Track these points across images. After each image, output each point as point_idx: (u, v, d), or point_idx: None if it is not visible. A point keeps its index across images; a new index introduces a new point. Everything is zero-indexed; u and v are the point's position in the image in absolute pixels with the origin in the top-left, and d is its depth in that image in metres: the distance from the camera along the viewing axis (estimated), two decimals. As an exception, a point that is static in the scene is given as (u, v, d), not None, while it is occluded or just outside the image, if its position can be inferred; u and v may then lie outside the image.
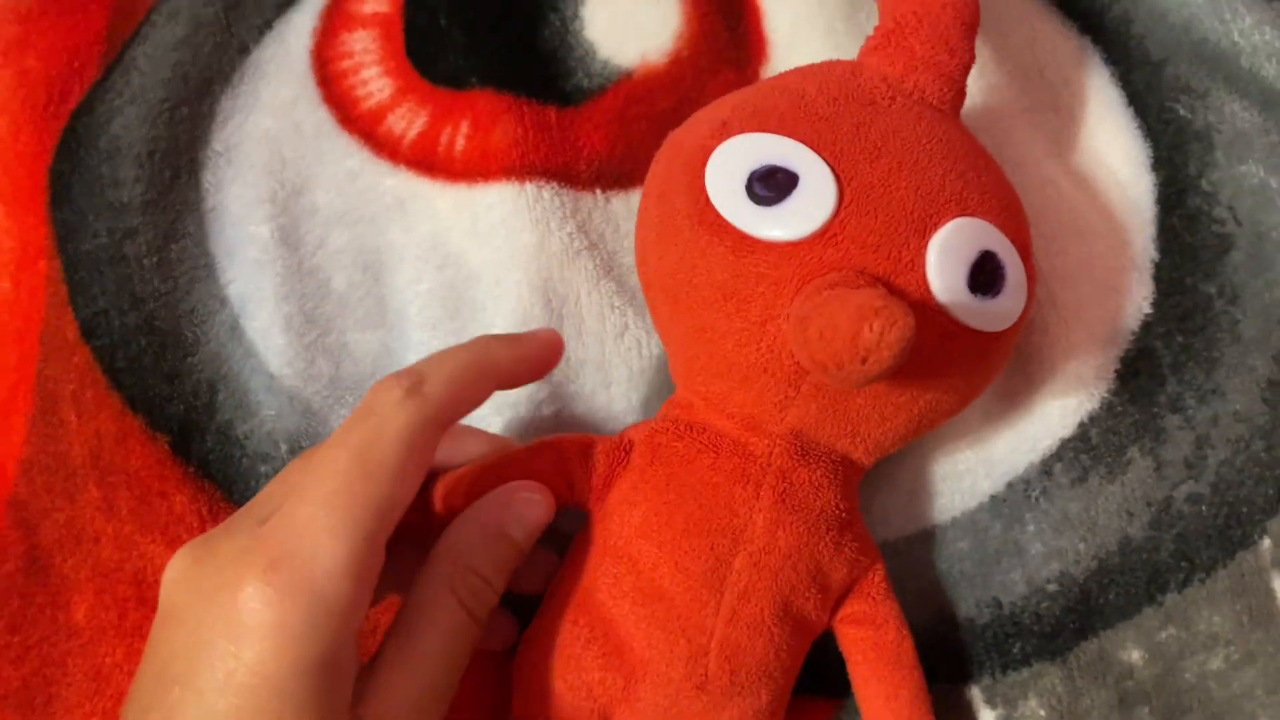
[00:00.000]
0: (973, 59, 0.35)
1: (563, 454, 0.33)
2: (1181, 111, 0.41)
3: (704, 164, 0.32)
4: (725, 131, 0.32)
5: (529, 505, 0.31)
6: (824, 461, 0.33)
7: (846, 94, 0.33)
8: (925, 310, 0.30)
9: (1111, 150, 0.41)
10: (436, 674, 0.29)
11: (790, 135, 0.31)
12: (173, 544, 0.38)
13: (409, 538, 0.30)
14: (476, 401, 0.32)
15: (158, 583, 0.37)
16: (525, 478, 0.32)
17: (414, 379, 0.30)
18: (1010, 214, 0.33)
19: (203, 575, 0.27)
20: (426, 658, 0.29)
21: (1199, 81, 0.41)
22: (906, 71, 0.34)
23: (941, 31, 0.34)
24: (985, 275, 0.31)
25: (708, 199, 0.31)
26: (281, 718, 0.26)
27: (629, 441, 0.34)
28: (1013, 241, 0.32)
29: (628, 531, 0.32)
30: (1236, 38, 0.41)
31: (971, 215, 0.31)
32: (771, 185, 0.31)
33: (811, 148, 0.31)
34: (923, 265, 0.30)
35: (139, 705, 0.27)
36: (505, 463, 0.33)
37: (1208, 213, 0.40)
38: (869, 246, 0.30)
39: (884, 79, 0.34)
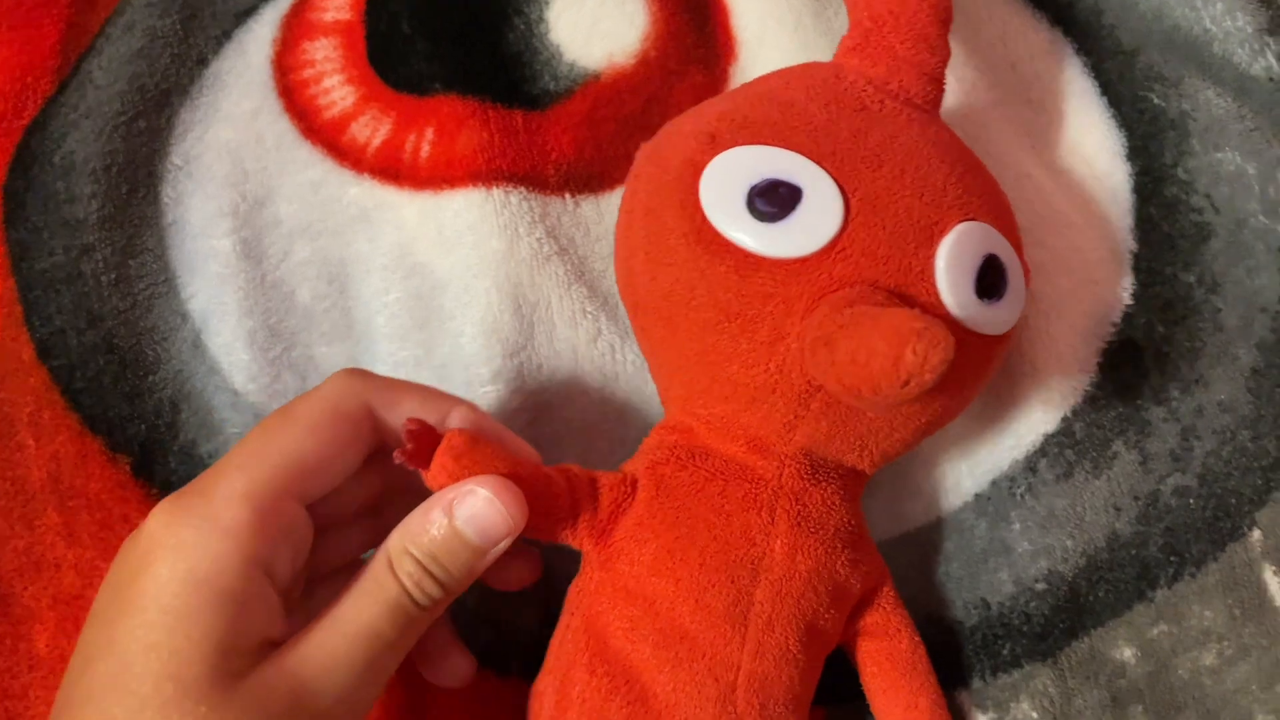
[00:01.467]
0: (949, 55, 0.34)
1: (573, 482, 0.31)
2: (1155, 100, 0.41)
3: (696, 180, 0.30)
4: (716, 145, 0.31)
5: (484, 505, 0.29)
6: (833, 478, 0.32)
7: (837, 99, 0.32)
8: None
9: (1086, 141, 0.41)
10: (362, 639, 0.28)
11: (788, 147, 0.30)
12: (136, 569, 0.36)
13: None
14: (425, 413, 0.31)
15: (121, 610, 0.36)
16: (540, 489, 0.30)
17: (366, 370, 0.31)
18: (1005, 215, 0.32)
19: (136, 530, 0.28)
20: (354, 622, 0.28)
21: (1172, 70, 0.41)
22: (890, 72, 0.33)
23: (920, 29, 0.33)
24: (990, 279, 0.30)
25: (704, 217, 0.30)
26: (172, 632, 0.26)
27: (632, 477, 0.32)
28: (1010, 242, 0.32)
29: (639, 570, 0.31)
30: (1208, 24, 0.41)
31: (974, 219, 0.31)
32: (774, 200, 0.29)
33: (812, 159, 0.30)
34: (931, 274, 0.30)
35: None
36: (522, 465, 0.30)
37: (1185, 201, 0.39)
38: (878, 258, 0.29)
39: (869, 81, 0.33)
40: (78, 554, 0.36)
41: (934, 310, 0.29)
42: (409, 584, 0.28)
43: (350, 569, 0.33)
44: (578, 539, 0.31)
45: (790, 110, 0.31)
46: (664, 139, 0.33)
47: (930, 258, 0.30)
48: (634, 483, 0.32)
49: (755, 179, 0.30)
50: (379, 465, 0.32)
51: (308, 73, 0.43)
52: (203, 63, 0.43)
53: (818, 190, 0.30)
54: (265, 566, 0.27)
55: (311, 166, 0.41)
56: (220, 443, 0.38)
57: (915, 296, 0.29)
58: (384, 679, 0.29)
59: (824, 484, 0.32)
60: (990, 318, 0.30)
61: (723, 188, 0.30)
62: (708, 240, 0.30)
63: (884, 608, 0.33)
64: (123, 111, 0.41)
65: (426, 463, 0.29)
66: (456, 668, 0.33)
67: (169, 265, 0.40)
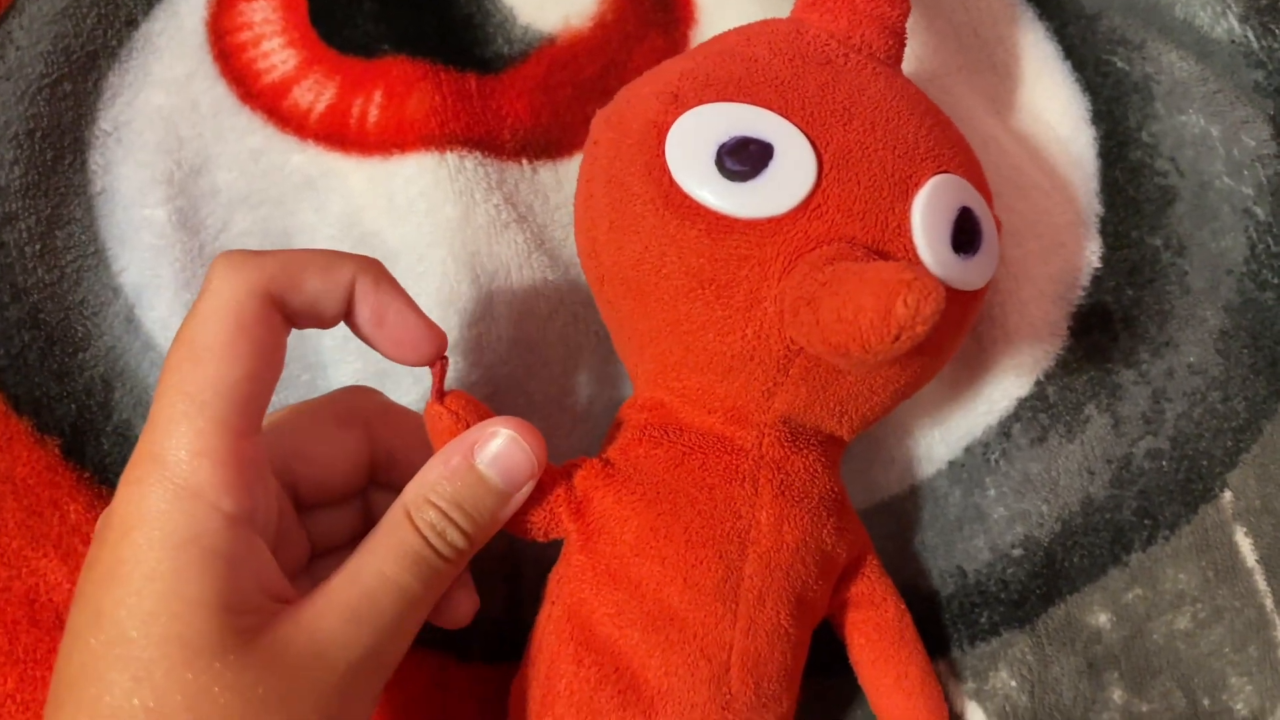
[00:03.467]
0: (909, 7, 0.33)
1: (540, 481, 0.30)
2: (1119, 63, 0.41)
3: (661, 141, 0.29)
4: (680, 104, 0.29)
5: (508, 445, 0.28)
6: (814, 445, 0.31)
7: (801, 54, 0.30)
8: None
9: (1050, 106, 0.40)
10: (384, 592, 0.26)
11: (756, 102, 0.29)
12: (67, 558, 0.34)
13: None
14: (327, 292, 0.28)
15: (51, 602, 0.34)
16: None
17: (250, 251, 0.27)
18: (975, 168, 0.32)
19: (105, 511, 0.26)
20: (374, 574, 0.26)
21: (1135, 33, 0.41)
22: (851, 26, 0.32)
23: None
24: (965, 233, 0.29)
25: (672, 180, 0.28)
26: (165, 597, 0.24)
27: (604, 457, 0.31)
28: (981, 194, 0.31)
29: (622, 551, 0.29)
30: (1170, -14, 0.41)
31: (947, 171, 0.30)
32: (744, 158, 0.28)
33: (781, 114, 0.29)
34: (908, 229, 0.28)
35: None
36: None
37: (1150, 165, 0.39)
38: (854, 214, 0.28)
39: (831, 35, 0.32)
40: (4, 542, 0.34)
41: None
42: (431, 535, 0.27)
43: (352, 546, 0.32)
44: (557, 519, 0.30)
45: (754, 66, 0.30)
46: (622, 102, 0.32)
47: (906, 212, 0.29)
48: (608, 461, 0.30)
49: (724, 137, 0.28)
50: (361, 435, 0.31)
51: (245, 35, 0.41)
52: (132, 24, 0.40)
53: (790, 146, 0.28)
54: (245, 519, 0.26)
55: (251, 133, 0.39)
56: (157, 423, 0.36)
57: (892, 253, 0.28)
58: (410, 636, 0.27)
59: (805, 452, 0.30)
60: (966, 273, 0.29)
61: (690, 148, 0.29)
62: (676, 204, 0.28)
63: (869, 577, 0.32)
64: (46, 74, 0.39)
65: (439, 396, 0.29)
66: (459, 607, 0.31)
67: (98, 236, 0.38)
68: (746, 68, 0.30)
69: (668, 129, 0.29)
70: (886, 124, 0.29)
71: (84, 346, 0.36)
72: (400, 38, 0.40)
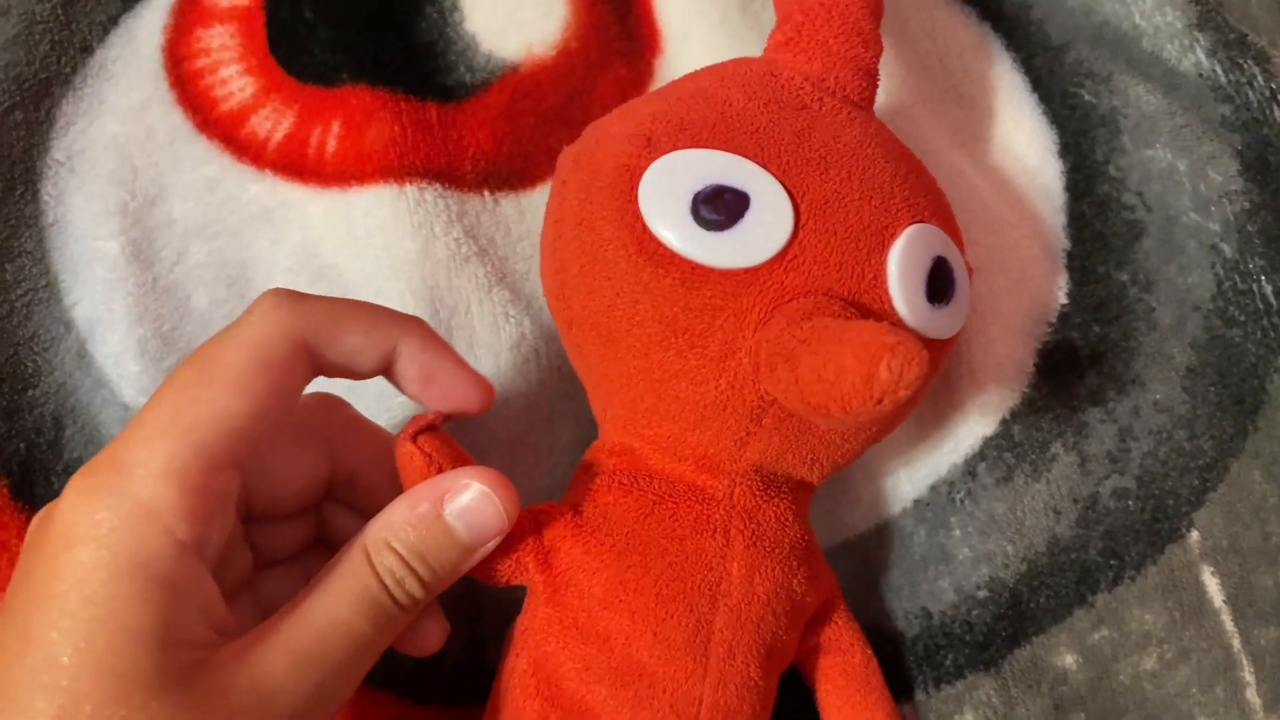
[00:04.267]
0: (882, 49, 0.33)
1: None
2: (1086, 96, 0.40)
3: (634, 186, 0.28)
4: (653, 149, 0.29)
5: (478, 499, 0.27)
6: (784, 492, 0.30)
7: (776, 99, 0.30)
8: None
9: (1017, 138, 0.40)
10: (336, 636, 0.25)
11: (732, 150, 0.28)
12: (15, 601, 0.33)
13: None
14: (365, 349, 0.27)
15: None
16: None
17: (298, 293, 0.27)
18: (949, 215, 0.31)
19: (46, 509, 0.25)
20: (326, 617, 0.25)
21: (1102, 65, 0.40)
22: (826, 68, 0.31)
23: (853, 22, 0.32)
24: (939, 282, 0.29)
25: (645, 226, 0.28)
26: (105, 624, 0.23)
27: (572, 505, 0.30)
28: (954, 240, 0.31)
29: (590, 604, 0.29)
30: (1138, 20, 0.41)
31: (922, 221, 0.29)
32: (720, 208, 0.27)
33: (757, 163, 0.28)
34: (884, 280, 0.28)
35: None
36: None
37: (1117, 199, 0.39)
38: (831, 266, 0.28)
39: (805, 78, 0.31)
40: (-52, 586, 0.33)
41: (887, 318, 0.28)
42: (389, 581, 0.26)
43: (299, 560, 0.31)
44: (523, 568, 0.29)
45: (729, 110, 0.29)
46: (592, 142, 0.31)
47: (882, 264, 0.28)
48: (576, 509, 0.30)
49: (699, 185, 0.28)
50: (323, 451, 0.30)
51: (202, 62, 0.40)
52: (87, 50, 0.40)
53: (766, 196, 0.28)
54: (197, 550, 0.24)
55: (207, 162, 0.38)
56: (109, 461, 0.35)
57: (868, 304, 0.28)
58: (357, 680, 0.27)
59: (776, 500, 0.30)
60: (939, 323, 0.29)
61: (664, 195, 0.28)
62: (650, 251, 0.28)
63: (837, 622, 0.32)
64: (-4, 102, 0.38)
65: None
66: (428, 636, 0.30)
67: (50, 269, 0.37)
68: (721, 112, 0.29)
69: (641, 174, 0.28)
70: (863, 173, 0.29)
71: (34, 383, 0.35)
72: (360, 66, 0.39)
